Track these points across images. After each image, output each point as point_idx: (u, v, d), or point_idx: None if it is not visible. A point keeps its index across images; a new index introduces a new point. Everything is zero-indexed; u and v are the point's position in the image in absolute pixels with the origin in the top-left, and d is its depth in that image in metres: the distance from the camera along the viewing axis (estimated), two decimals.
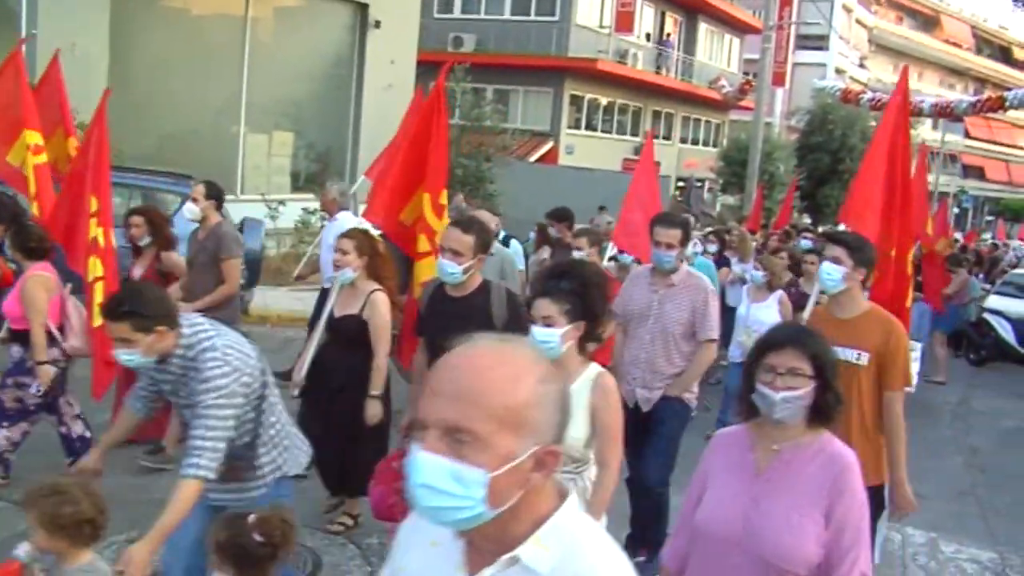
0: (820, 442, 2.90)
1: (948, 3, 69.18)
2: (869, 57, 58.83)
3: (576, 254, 7.62)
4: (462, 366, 1.62)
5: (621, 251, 9.49)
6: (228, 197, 13.73)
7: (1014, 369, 15.13)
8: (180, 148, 16.23)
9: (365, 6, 19.95)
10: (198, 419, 3.52)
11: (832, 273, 4.66)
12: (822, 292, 5.11)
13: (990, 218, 62.30)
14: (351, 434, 5.59)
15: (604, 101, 33.41)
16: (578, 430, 3.64)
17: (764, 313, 8.04)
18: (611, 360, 6.58)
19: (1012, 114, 45.98)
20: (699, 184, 36.24)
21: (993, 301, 16.02)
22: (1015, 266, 21.45)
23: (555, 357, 3.59)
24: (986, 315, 15.53)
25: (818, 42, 48.52)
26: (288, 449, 3.95)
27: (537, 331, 3.66)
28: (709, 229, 13.08)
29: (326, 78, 20.28)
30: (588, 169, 25.12)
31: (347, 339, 5.64)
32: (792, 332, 3.03)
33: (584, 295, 3.73)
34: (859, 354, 4.50)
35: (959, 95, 46.85)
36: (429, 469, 1.57)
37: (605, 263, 7.62)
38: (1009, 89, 25.89)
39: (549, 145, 30.39)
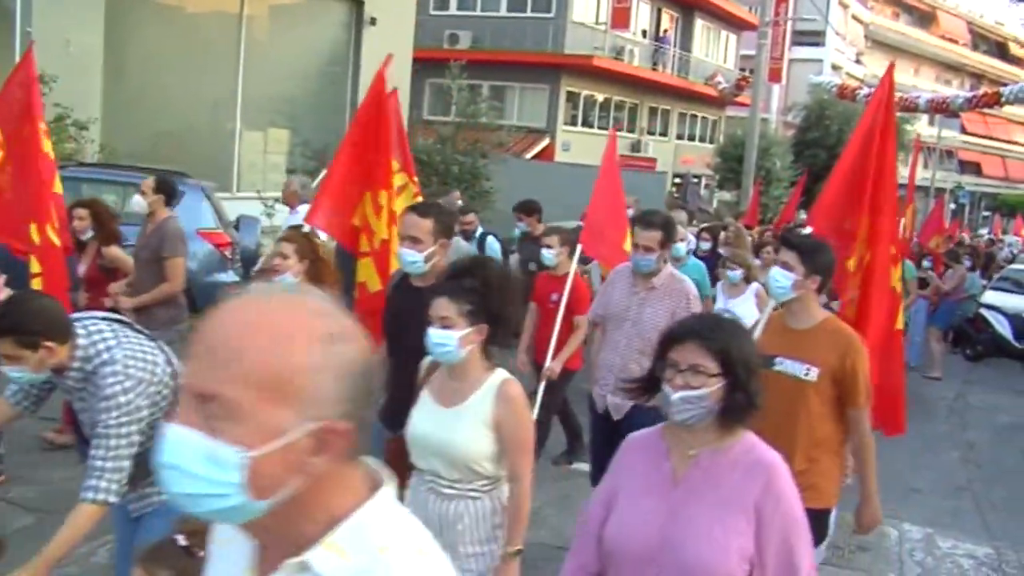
0: (741, 445, 2.63)
1: None
2: (865, 53, 58.79)
3: (545, 252, 7.38)
4: (222, 321, 1.31)
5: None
6: (224, 195, 13.78)
7: (1010, 364, 15.16)
8: (175, 145, 16.21)
9: (361, 3, 19.93)
10: (98, 438, 3.21)
11: (781, 280, 4.22)
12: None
13: (987, 214, 62.38)
14: None
15: (600, 98, 33.39)
16: (483, 444, 3.38)
17: (741, 308, 7.74)
18: (583, 363, 6.31)
19: (1008, 110, 45.96)
20: (696, 180, 36.20)
21: (989, 296, 16.05)
22: (1011, 261, 21.47)
23: (454, 361, 3.40)
24: (982, 310, 15.55)
25: (814, 38, 48.46)
26: None
27: (433, 333, 3.36)
28: (704, 225, 13.03)
29: (322, 75, 20.26)
30: (584, 166, 25.09)
31: None
32: (695, 324, 2.71)
33: (487, 295, 3.40)
34: (808, 369, 4.13)
35: (955, 91, 46.86)
36: (175, 445, 1.28)
37: (575, 265, 7.15)
38: (1005, 85, 25.90)
39: (545, 142, 30.39)
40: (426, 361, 3.57)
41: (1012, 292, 16.24)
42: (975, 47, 70.10)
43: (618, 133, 35.64)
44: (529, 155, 28.54)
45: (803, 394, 4.12)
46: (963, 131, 61.52)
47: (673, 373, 2.60)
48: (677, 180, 34.07)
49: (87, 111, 13.69)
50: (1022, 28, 24.99)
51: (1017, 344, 15.27)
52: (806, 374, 4.12)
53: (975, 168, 66.49)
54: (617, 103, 34.42)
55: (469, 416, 3.39)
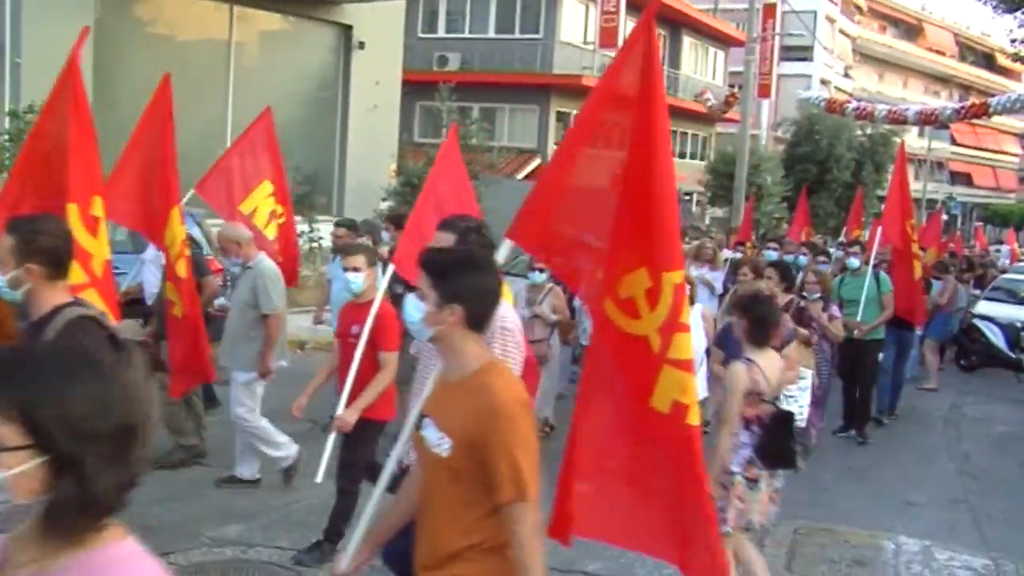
0: (93, 560, 1.59)
1: (931, 11, 69.69)
2: (853, 67, 59.12)
3: (351, 277, 5.94)
4: None
5: (539, 268, 8.39)
6: (215, 221, 13.74)
7: (1004, 374, 15.16)
8: None
9: (349, 27, 20.02)
10: None
11: (413, 314, 3.00)
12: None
13: (979, 224, 62.66)
14: None
15: None
16: None
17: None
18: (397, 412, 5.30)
19: (997, 120, 46.21)
20: (687, 197, 36.33)
21: (983, 307, 16.10)
22: (1004, 271, 21.53)
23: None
24: (976, 321, 15.58)
25: (802, 53, 48.74)
26: None
27: None
28: (696, 243, 13.08)
29: (311, 100, 20.31)
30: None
31: None
32: None
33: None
34: (441, 438, 2.92)
35: (944, 102, 47.08)
36: None
37: (382, 289, 6.04)
38: (993, 95, 26.02)
39: (537, 162, 30.45)
40: None
41: (1004, 302, 16.30)
42: (962, 58, 70.55)
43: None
44: (520, 175, 28.60)
45: (439, 473, 2.95)
46: (953, 142, 61.85)
47: None
48: None
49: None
50: (1008, 39, 25.05)
51: (1011, 353, 15.28)
52: (438, 445, 2.93)
53: (966, 179, 66.80)
54: None
55: None
